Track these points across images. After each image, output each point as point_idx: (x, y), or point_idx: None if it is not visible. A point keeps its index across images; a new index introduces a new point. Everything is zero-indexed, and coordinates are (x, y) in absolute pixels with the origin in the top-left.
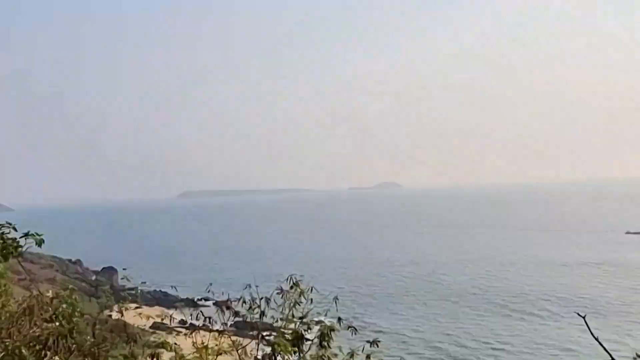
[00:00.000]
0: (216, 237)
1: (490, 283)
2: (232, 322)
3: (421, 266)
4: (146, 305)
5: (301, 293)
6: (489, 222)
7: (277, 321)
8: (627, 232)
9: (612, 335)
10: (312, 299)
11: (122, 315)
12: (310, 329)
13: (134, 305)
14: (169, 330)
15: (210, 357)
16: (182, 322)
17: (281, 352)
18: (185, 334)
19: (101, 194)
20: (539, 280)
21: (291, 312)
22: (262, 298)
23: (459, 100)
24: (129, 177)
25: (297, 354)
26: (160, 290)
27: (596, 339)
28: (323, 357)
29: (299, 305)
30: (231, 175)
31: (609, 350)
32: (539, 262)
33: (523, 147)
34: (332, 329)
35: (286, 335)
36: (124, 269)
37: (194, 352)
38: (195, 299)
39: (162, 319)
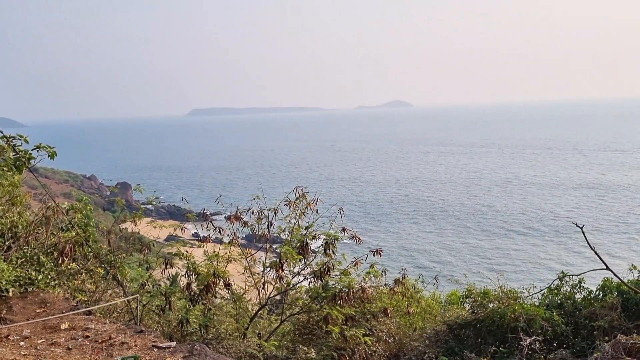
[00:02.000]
0: (226, 154)
1: (491, 202)
2: (243, 236)
3: (424, 185)
4: (160, 219)
5: (307, 204)
6: (494, 140)
7: (284, 231)
8: None
9: (609, 250)
10: (317, 210)
11: (137, 226)
12: (316, 238)
13: (148, 219)
14: (182, 242)
15: (220, 264)
16: (195, 235)
17: (287, 260)
18: (199, 246)
19: (114, 111)
20: (539, 200)
21: (297, 222)
22: (269, 209)
23: (467, 22)
24: (140, 95)
25: (303, 261)
26: (173, 205)
27: (592, 249)
28: (327, 264)
29: (305, 215)
30: (240, 93)
31: (604, 260)
32: (541, 182)
33: (529, 67)
34: (336, 238)
35: (292, 244)
36: (137, 185)
37: (205, 260)
38: (207, 213)
39: (175, 229)
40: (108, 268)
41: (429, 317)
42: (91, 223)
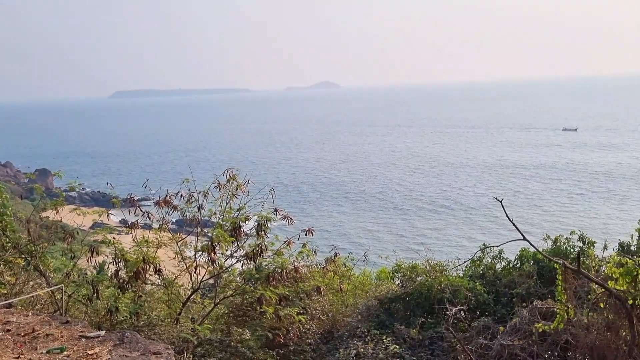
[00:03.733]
0: (150, 138)
1: (416, 181)
2: (173, 221)
3: (352, 165)
4: (84, 206)
5: (238, 186)
6: (420, 120)
7: (214, 214)
8: (564, 129)
9: (523, 224)
10: (248, 192)
11: (58, 213)
12: (248, 220)
13: (71, 206)
14: (109, 229)
15: (150, 249)
16: (123, 222)
17: (220, 243)
18: (126, 232)
19: (29, 93)
20: (457, 179)
21: (229, 204)
22: (199, 192)
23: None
24: (58, 76)
25: (235, 243)
26: (98, 191)
27: (510, 221)
28: (260, 246)
29: (237, 197)
30: (165, 74)
31: (521, 231)
32: (459, 162)
33: (451, 47)
34: (268, 219)
35: (224, 227)
36: (57, 170)
37: (134, 246)
38: (135, 198)
39: (100, 215)
40: (29, 258)
41: (360, 293)
42: (8, 212)
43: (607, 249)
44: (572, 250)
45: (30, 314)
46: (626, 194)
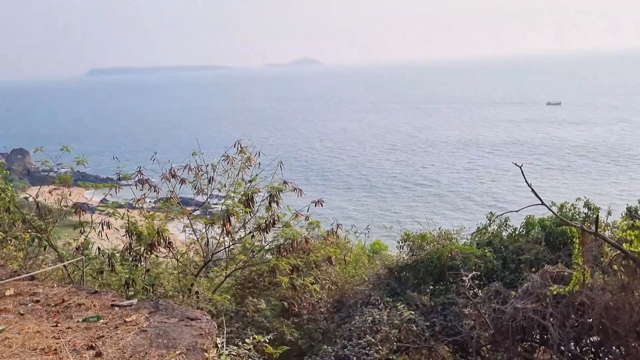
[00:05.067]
0: (126, 118)
1: (394, 158)
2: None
3: (336, 144)
4: (63, 186)
5: (248, 158)
6: (400, 97)
7: (224, 186)
8: (548, 103)
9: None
10: (259, 163)
11: (68, 188)
12: (257, 192)
13: (50, 187)
14: (115, 204)
15: (160, 222)
16: (104, 201)
17: (234, 213)
18: (134, 207)
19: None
20: (441, 157)
21: (240, 176)
22: (207, 165)
23: None
24: (29, 55)
25: (250, 213)
26: (77, 171)
27: (529, 186)
28: (272, 217)
29: (248, 169)
30: (142, 51)
31: (539, 196)
32: (447, 139)
33: (433, 25)
34: (280, 190)
35: (236, 199)
36: (36, 151)
37: (145, 219)
38: (139, 169)
39: (110, 189)
40: (38, 233)
41: (361, 264)
42: (9, 187)
43: (611, 215)
44: (577, 216)
45: (55, 285)
46: (602, 169)
